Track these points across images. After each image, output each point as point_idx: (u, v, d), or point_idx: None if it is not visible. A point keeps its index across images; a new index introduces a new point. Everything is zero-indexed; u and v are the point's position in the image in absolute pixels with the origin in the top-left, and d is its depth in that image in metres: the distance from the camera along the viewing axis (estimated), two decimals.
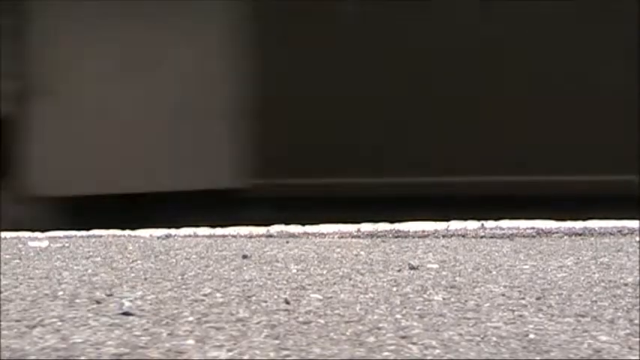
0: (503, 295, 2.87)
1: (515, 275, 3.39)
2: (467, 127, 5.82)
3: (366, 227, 7.20)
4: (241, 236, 5.99)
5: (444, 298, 2.78)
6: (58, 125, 5.80)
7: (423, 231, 6.84)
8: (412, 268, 3.58)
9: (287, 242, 4.92)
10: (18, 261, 3.78)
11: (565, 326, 2.32)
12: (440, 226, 7.32)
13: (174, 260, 3.81)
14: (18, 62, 5.69)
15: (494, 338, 2.12)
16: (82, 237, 5.65)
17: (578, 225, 7.03)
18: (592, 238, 5.70)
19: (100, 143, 5.96)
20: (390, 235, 6.43)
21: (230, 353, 1.91)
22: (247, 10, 5.58)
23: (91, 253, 4.12)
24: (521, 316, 2.47)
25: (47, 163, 5.84)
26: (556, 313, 2.54)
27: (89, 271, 3.41)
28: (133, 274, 3.29)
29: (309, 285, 3.04)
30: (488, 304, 2.67)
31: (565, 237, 6.00)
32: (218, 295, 2.77)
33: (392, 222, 6.84)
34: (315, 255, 4.06)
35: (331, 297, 2.78)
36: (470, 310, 2.57)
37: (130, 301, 2.61)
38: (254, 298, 2.73)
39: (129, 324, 2.22)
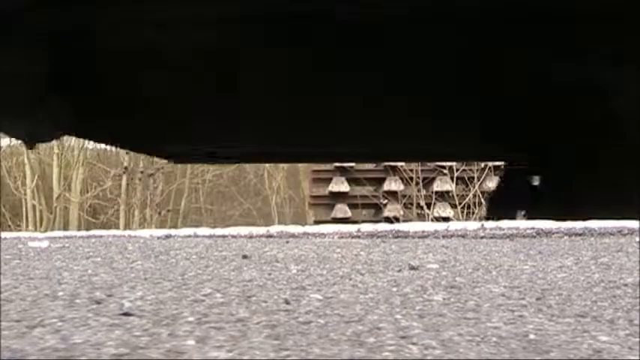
0: (503, 295, 2.87)
1: (515, 275, 3.39)
2: None
3: (366, 227, 7.21)
4: (241, 236, 5.98)
5: (444, 298, 2.78)
6: None
7: (423, 231, 6.85)
8: (412, 268, 3.58)
9: (287, 242, 4.92)
10: (18, 261, 3.78)
11: (565, 326, 2.32)
12: (440, 226, 7.33)
13: (174, 260, 3.81)
14: None
15: (494, 338, 2.12)
16: (81, 237, 5.65)
17: (578, 225, 7.03)
18: (592, 238, 5.70)
19: None
20: (390, 236, 6.43)
21: (230, 353, 1.91)
22: None
23: (91, 254, 4.12)
24: (521, 316, 2.47)
25: None
26: (556, 313, 2.54)
27: (89, 271, 3.41)
28: (132, 275, 3.29)
29: (309, 285, 3.04)
30: (488, 305, 2.67)
31: (565, 237, 5.99)
32: (218, 295, 2.76)
33: (392, 222, 6.82)
34: (315, 255, 4.06)
35: (331, 297, 2.78)
36: (470, 310, 2.56)
37: (130, 301, 2.61)
38: (254, 298, 2.73)
39: (129, 324, 2.22)
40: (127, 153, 12.19)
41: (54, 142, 13.50)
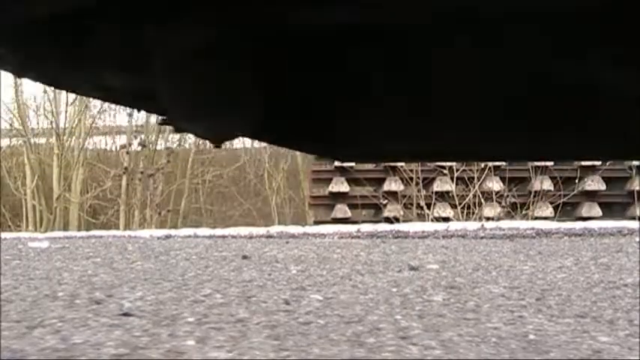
0: (503, 295, 2.87)
1: (515, 276, 3.39)
2: None
3: (366, 228, 7.21)
4: (241, 237, 5.98)
5: (443, 299, 2.78)
6: None
7: (423, 231, 6.85)
8: (412, 268, 3.58)
9: (287, 242, 4.92)
10: (18, 261, 3.78)
11: (565, 327, 2.32)
12: (440, 226, 7.34)
13: (174, 261, 3.81)
14: None
15: (494, 339, 2.12)
16: (81, 237, 5.65)
17: (578, 225, 7.03)
18: (592, 239, 5.70)
19: None
20: (390, 236, 6.44)
21: (230, 354, 1.91)
22: None
23: (91, 254, 4.12)
24: (520, 316, 2.47)
25: None
26: (556, 313, 2.54)
27: (89, 271, 3.41)
28: (132, 275, 3.29)
29: (309, 285, 3.04)
30: (488, 305, 2.67)
31: (565, 237, 5.98)
32: (218, 295, 2.77)
33: (392, 222, 6.80)
34: (315, 255, 4.06)
35: (331, 297, 2.78)
36: (470, 310, 2.57)
37: (130, 301, 2.61)
38: (254, 298, 2.73)
39: (129, 324, 2.22)
40: (127, 153, 12.19)
41: (54, 143, 13.48)
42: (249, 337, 2.09)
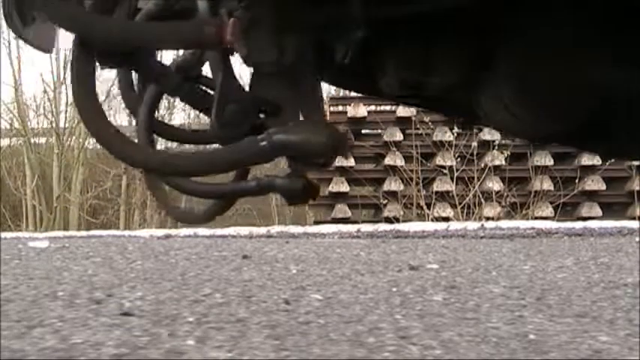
0: (503, 295, 2.87)
1: (514, 275, 3.39)
2: None
3: (366, 227, 7.21)
4: (241, 236, 5.99)
5: (443, 299, 2.78)
6: None
7: (423, 231, 6.85)
8: (412, 268, 3.58)
9: (287, 242, 4.93)
10: (18, 261, 3.78)
11: (565, 327, 2.32)
12: (440, 226, 7.34)
13: (174, 260, 3.81)
14: None
15: (494, 339, 2.12)
16: (81, 237, 5.65)
17: (578, 225, 7.03)
18: (592, 239, 5.70)
19: None
20: (390, 236, 6.44)
21: (230, 354, 1.91)
22: None
23: (90, 254, 4.12)
24: (521, 316, 2.47)
25: None
26: (556, 313, 2.54)
27: (89, 271, 3.41)
28: (132, 275, 3.29)
29: (309, 285, 3.04)
30: (488, 305, 2.67)
31: (565, 237, 5.99)
32: (218, 295, 2.77)
33: (392, 222, 6.79)
34: (315, 255, 4.06)
35: (331, 297, 2.78)
36: (470, 310, 2.56)
37: (130, 301, 2.61)
38: (254, 298, 2.73)
39: (129, 324, 2.22)
40: None
41: (54, 142, 13.47)
42: (249, 337, 2.09)
